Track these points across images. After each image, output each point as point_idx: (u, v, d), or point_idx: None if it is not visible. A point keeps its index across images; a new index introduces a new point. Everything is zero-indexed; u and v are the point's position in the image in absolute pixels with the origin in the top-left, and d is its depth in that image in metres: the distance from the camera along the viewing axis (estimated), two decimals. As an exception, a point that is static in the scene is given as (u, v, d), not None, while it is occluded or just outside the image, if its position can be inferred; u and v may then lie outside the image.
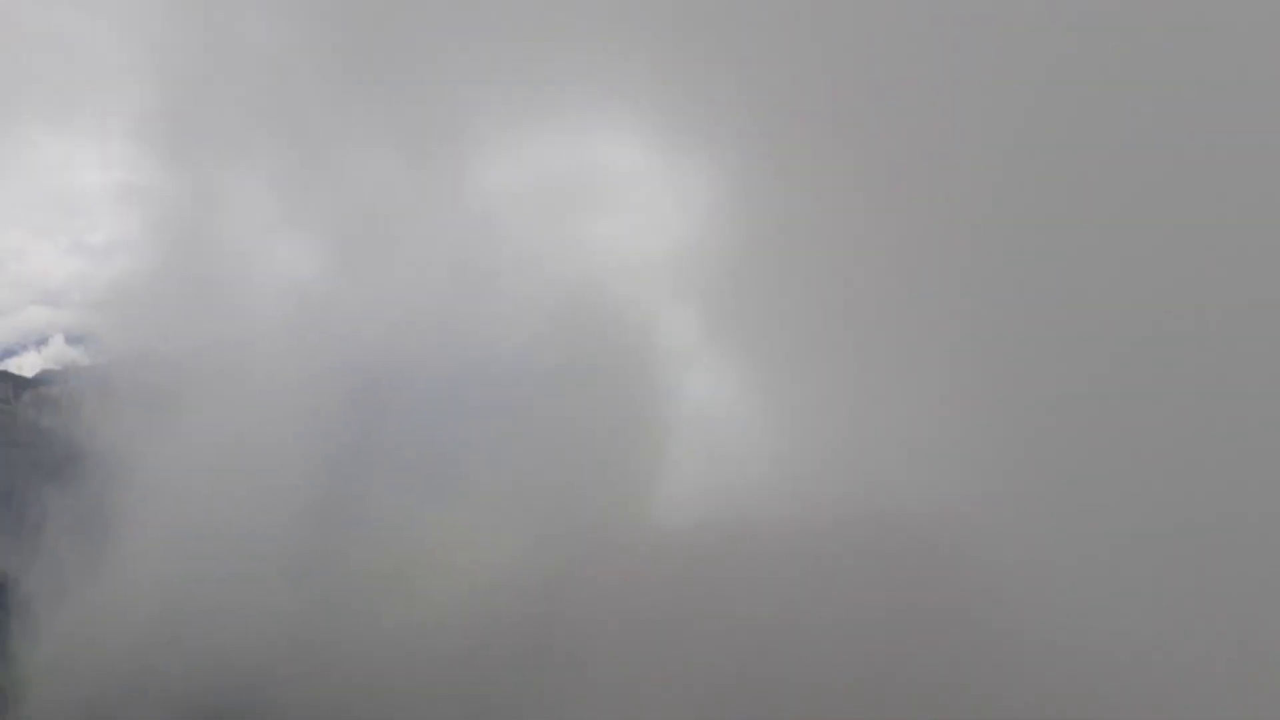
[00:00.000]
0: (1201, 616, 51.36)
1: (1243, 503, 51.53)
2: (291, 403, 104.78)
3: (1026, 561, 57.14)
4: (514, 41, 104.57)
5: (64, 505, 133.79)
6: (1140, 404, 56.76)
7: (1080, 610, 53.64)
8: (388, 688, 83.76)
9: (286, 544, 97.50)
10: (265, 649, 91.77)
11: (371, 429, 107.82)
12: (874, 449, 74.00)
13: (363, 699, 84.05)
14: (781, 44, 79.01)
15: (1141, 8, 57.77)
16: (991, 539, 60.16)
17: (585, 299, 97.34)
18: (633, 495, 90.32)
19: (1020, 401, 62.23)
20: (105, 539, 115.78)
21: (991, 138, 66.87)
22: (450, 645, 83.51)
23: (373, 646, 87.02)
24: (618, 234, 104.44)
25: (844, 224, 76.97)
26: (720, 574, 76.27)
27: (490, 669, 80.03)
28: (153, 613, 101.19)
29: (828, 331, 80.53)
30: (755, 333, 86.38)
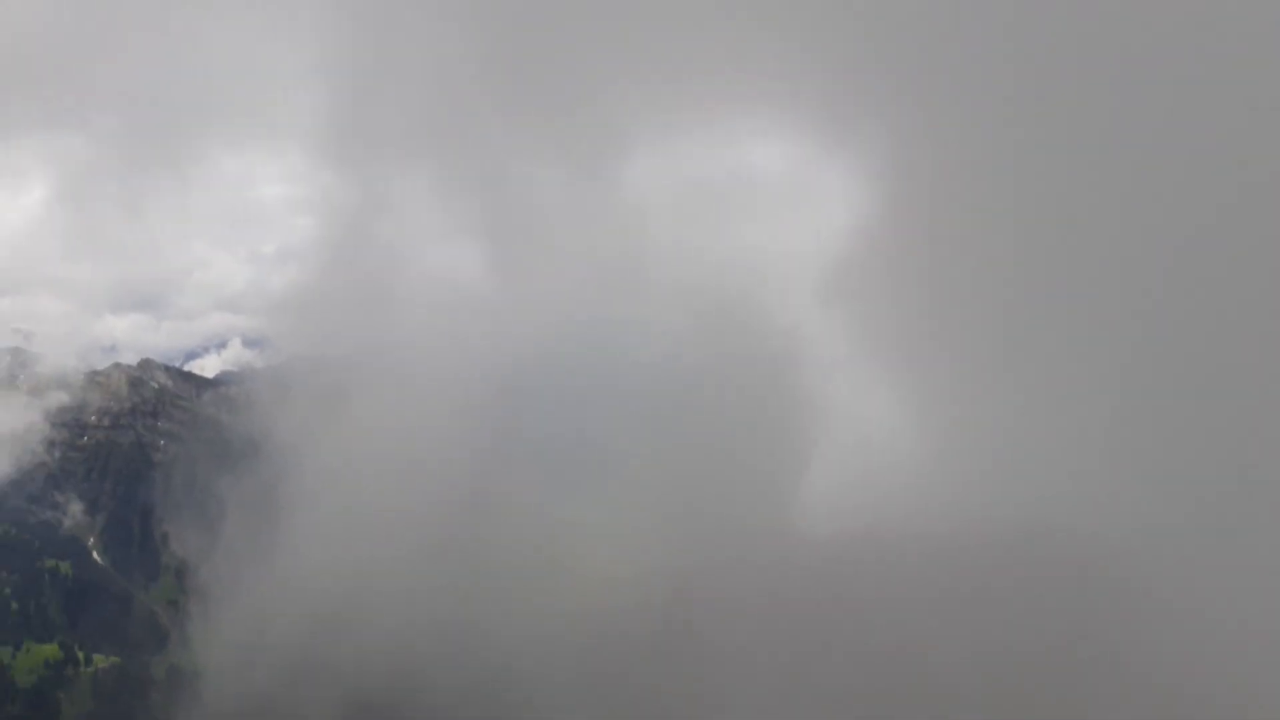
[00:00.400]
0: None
1: None
2: (449, 400, 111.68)
3: (1181, 581, 55.04)
4: (666, 46, 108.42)
5: (240, 496, 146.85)
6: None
7: (1237, 628, 51.41)
8: (528, 674, 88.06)
9: (440, 534, 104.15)
10: (417, 636, 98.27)
11: (520, 425, 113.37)
12: (1029, 465, 72.01)
13: (505, 684, 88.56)
14: (938, 44, 78.42)
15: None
16: (1147, 560, 58.18)
17: (730, 303, 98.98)
18: (773, 501, 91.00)
19: (1183, 421, 59.76)
20: (277, 528, 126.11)
21: (1163, 138, 64.50)
22: (585, 637, 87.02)
23: (515, 634, 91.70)
24: (765, 238, 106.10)
25: (1003, 229, 75.41)
26: (861, 587, 75.84)
27: (622, 663, 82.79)
28: (319, 599, 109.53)
29: (983, 342, 78.99)
30: (906, 341, 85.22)
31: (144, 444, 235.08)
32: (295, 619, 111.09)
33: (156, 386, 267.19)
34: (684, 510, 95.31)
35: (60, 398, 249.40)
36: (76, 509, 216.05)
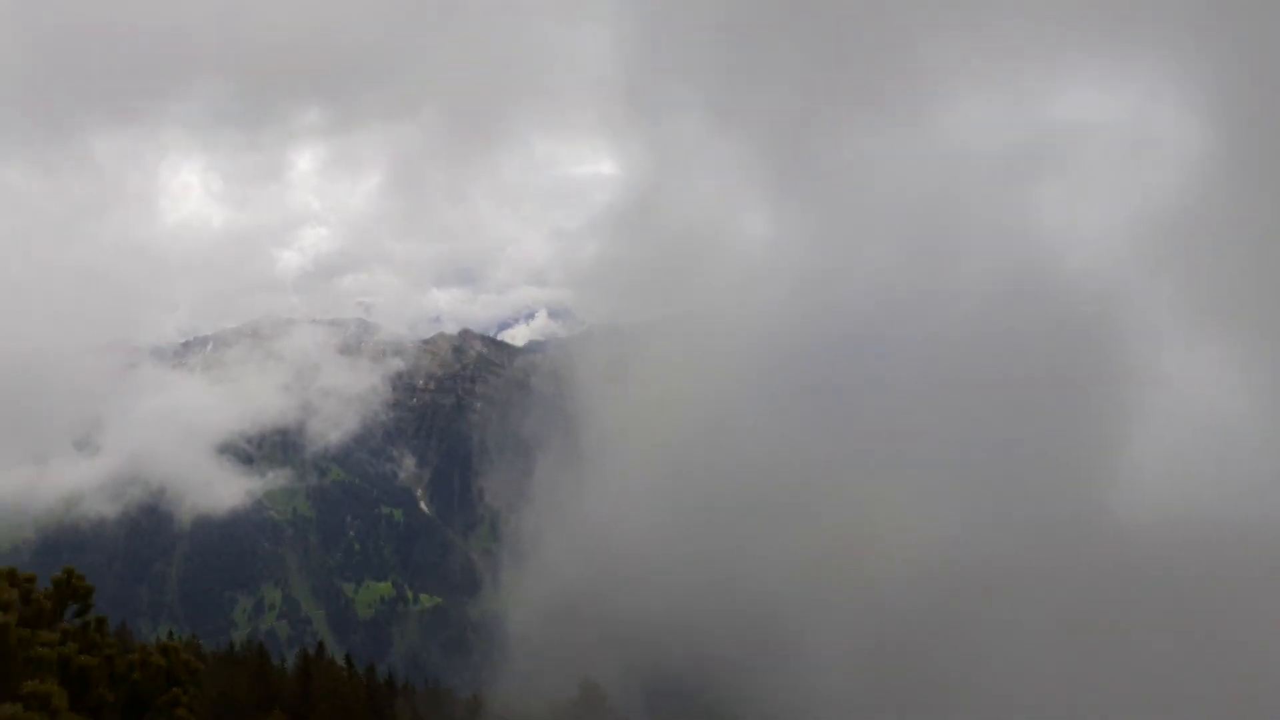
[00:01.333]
0: None
1: None
2: (745, 367, 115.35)
3: None
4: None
5: (545, 456, 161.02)
6: None
7: None
8: (815, 646, 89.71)
9: (733, 501, 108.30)
10: (704, 600, 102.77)
11: (819, 395, 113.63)
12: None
13: (791, 655, 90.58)
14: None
15: None
16: None
17: (1041, 268, 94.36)
18: (1086, 483, 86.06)
19: None
20: (578, 488, 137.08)
21: None
22: (877, 617, 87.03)
23: (804, 605, 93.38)
24: (1078, 197, 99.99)
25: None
26: (1185, 578, 71.46)
27: (910, 644, 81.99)
28: (615, 559, 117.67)
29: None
30: (1242, 307, 77.85)
31: (463, 406, 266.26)
32: (593, 577, 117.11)
33: (474, 354, 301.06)
34: (986, 489, 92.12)
35: (396, 364, 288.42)
36: (409, 462, 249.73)
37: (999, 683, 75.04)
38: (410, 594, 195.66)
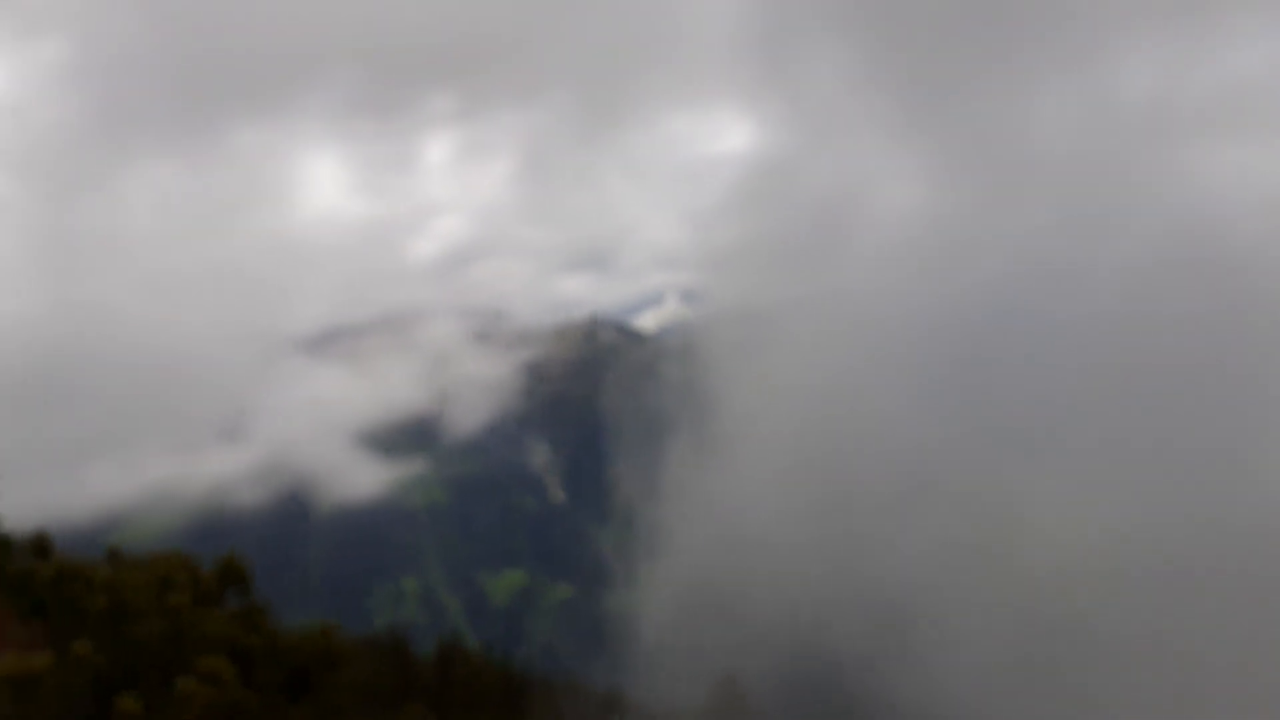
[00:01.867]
0: None
1: None
2: (884, 350, 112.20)
3: None
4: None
5: (677, 445, 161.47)
6: None
7: None
8: (956, 650, 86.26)
9: (870, 493, 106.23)
10: (844, 599, 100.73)
11: (964, 377, 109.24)
12: None
13: (933, 662, 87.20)
14: None
15: None
16: None
17: (1211, 236, 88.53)
18: (1267, 477, 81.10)
19: None
20: (709, 478, 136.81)
21: None
22: (1027, 619, 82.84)
23: (948, 607, 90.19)
24: (1253, 160, 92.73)
25: None
26: None
27: (1065, 655, 77.38)
28: (749, 552, 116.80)
29: None
30: None
31: (594, 393, 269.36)
32: (728, 569, 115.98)
33: (604, 340, 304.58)
34: (1153, 481, 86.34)
35: (528, 351, 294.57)
36: (542, 450, 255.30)
37: (1169, 705, 70.68)
38: (544, 584, 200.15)
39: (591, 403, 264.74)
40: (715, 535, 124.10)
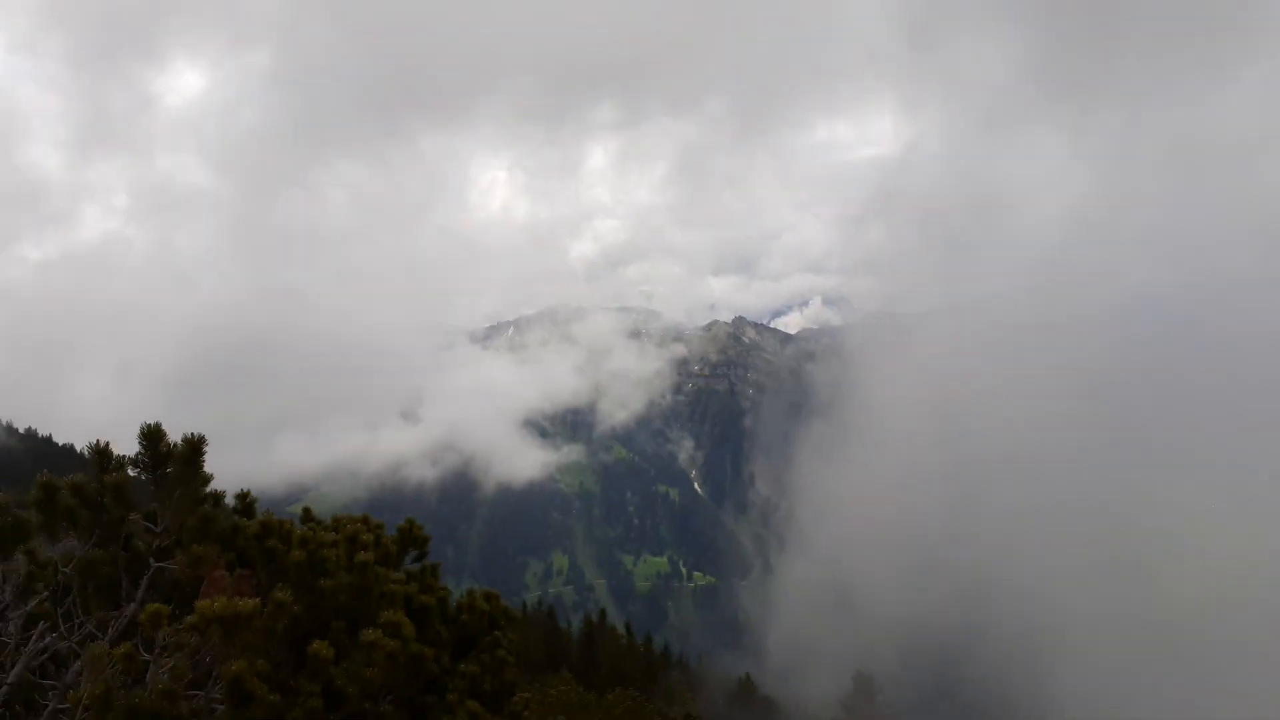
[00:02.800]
0: None
1: None
2: (1030, 359, 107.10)
3: None
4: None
5: (815, 445, 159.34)
6: None
7: None
8: (1091, 665, 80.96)
9: (1010, 503, 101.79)
10: (981, 605, 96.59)
11: (1113, 392, 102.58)
12: None
13: (1065, 674, 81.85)
14: None
15: None
16: None
17: None
18: None
19: None
20: (844, 478, 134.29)
21: None
22: (1171, 641, 77.12)
23: (1086, 620, 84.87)
24: None
25: None
26: None
27: (1212, 683, 71.71)
28: (887, 549, 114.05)
29: None
30: None
31: (736, 392, 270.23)
32: (864, 569, 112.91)
33: (747, 341, 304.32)
34: None
35: (677, 349, 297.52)
36: (687, 444, 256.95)
37: None
38: (685, 571, 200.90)
39: (733, 401, 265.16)
40: (852, 535, 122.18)
